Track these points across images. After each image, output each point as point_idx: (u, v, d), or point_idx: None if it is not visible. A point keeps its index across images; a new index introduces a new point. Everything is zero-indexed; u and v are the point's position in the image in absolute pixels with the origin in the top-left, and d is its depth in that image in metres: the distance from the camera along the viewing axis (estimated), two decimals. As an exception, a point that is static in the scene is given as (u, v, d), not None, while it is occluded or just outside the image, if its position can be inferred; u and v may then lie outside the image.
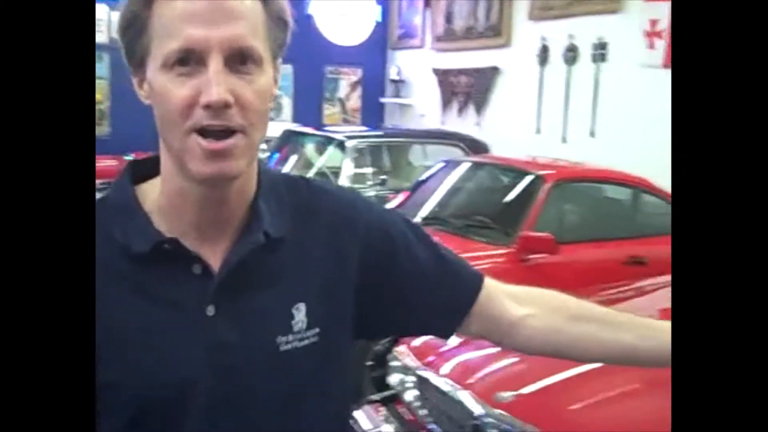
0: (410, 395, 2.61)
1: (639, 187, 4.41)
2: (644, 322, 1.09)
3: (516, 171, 4.40)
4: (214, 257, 0.95)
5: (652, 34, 6.32)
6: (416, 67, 9.22)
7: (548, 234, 3.81)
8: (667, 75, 5.98)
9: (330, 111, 9.54)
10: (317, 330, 0.98)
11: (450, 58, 8.66)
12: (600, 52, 6.79)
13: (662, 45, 6.26)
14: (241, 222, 0.97)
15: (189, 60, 0.86)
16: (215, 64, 0.86)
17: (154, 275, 0.92)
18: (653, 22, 6.30)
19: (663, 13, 6.21)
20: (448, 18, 8.63)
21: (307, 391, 0.97)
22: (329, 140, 5.90)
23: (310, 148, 6.13)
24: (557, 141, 7.11)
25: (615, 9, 6.64)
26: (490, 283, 1.11)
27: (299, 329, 0.96)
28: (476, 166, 4.92)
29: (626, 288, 3.27)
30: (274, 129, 6.65)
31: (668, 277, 3.09)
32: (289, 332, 0.96)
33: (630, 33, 6.40)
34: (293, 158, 6.07)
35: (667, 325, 1.01)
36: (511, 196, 4.28)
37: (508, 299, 1.10)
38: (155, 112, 0.90)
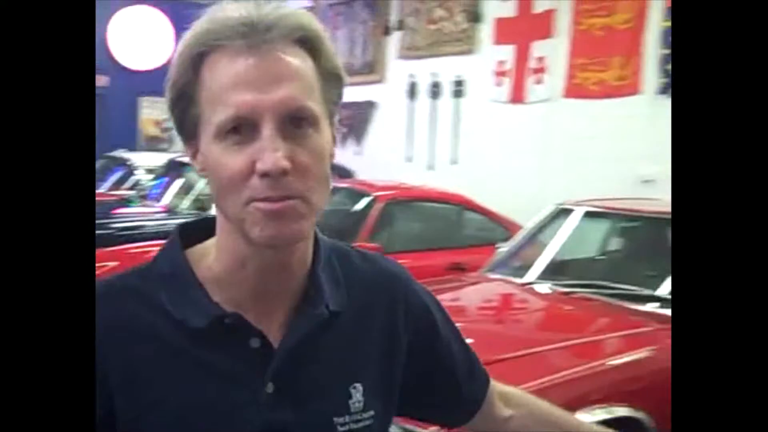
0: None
1: (462, 204, 5.17)
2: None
3: (360, 193, 5.10)
4: (272, 330, 0.91)
5: (499, 74, 7.16)
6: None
7: (377, 245, 4.50)
8: (516, 109, 6.85)
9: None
10: (372, 413, 0.95)
11: (332, 92, 9.33)
12: (458, 88, 7.57)
13: (508, 82, 7.11)
14: (299, 293, 0.93)
15: (242, 128, 0.83)
16: (268, 129, 0.82)
17: (211, 347, 0.88)
18: (500, 63, 7.13)
19: (509, 55, 7.07)
20: (330, 56, 9.34)
21: None
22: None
23: (192, 176, 6.65)
24: (424, 168, 7.87)
25: (469, 50, 7.45)
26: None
27: (356, 410, 0.93)
28: (333, 190, 5.61)
29: (452, 278, 4.14)
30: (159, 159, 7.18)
31: (477, 273, 3.89)
32: (346, 412, 0.93)
33: (482, 72, 7.21)
34: (178, 182, 6.62)
35: None
36: (353, 214, 4.98)
37: (497, 399, 1.14)
38: (210, 183, 0.88)
